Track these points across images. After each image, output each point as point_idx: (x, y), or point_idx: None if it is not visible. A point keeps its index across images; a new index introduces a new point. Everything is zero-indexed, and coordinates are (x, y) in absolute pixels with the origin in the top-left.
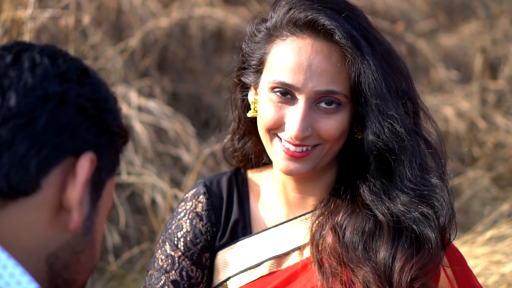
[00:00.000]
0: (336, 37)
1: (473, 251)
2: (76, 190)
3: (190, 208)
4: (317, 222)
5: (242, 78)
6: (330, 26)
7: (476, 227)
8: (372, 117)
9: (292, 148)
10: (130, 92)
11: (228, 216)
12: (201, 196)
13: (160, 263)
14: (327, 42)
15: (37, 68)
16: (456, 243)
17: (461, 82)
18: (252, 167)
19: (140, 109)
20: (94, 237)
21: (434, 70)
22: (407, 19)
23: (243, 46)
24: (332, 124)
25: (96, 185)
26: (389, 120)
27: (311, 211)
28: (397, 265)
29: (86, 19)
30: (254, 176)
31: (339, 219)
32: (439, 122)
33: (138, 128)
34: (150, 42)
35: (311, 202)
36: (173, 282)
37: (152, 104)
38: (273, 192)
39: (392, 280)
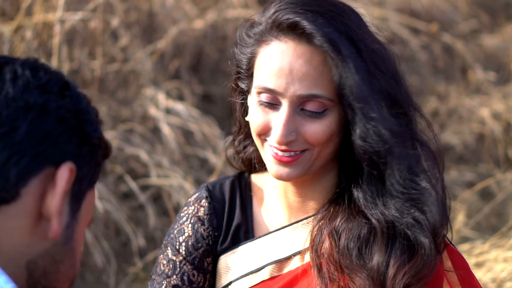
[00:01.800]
0: (316, 41)
1: (503, 254)
2: (55, 200)
3: (192, 212)
4: (317, 226)
5: (238, 83)
6: (310, 30)
7: (509, 232)
8: (358, 121)
9: (280, 153)
10: (158, 94)
11: (230, 220)
12: (203, 200)
13: (162, 268)
14: (309, 45)
15: (19, 79)
16: (486, 246)
17: (499, 83)
18: (255, 171)
19: (168, 111)
20: (74, 247)
21: (472, 71)
22: (448, 20)
23: (235, 51)
24: (317, 128)
25: (77, 195)
26: (373, 123)
27: (313, 215)
28: (390, 272)
29: (115, 22)
30: (257, 180)
31: (337, 224)
32: (475, 124)
33: (166, 130)
34: (182, 44)
35: (312, 205)
36: (174, 286)
37: (180, 107)
38: (275, 196)
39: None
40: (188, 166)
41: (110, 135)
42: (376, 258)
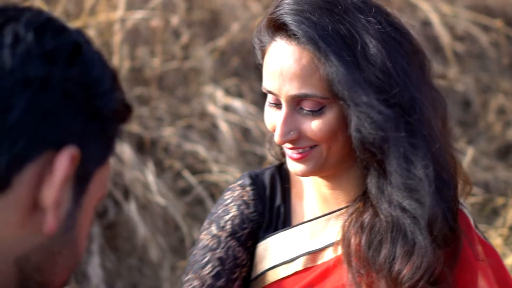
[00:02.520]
0: (301, 40)
1: None
2: (51, 191)
3: (237, 196)
4: (348, 220)
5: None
6: (295, 31)
7: None
8: (351, 113)
9: (289, 152)
10: (217, 92)
11: (272, 208)
12: (248, 187)
13: (205, 243)
14: (298, 45)
15: (19, 45)
16: None
17: None
18: None
19: (226, 108)
20: (76, 235)
21: None
22: None
23: (256, 53)
24: (317, 126)
25: (81, 179)
26: (364, 109)
27: (344, 207)
28: (396, 268)
29: (175, 20)
30: None
31: (363, 220)
32: None
33: (223, 127)
34: (243, 41)
35: (343, 197)
36: (219, 259)
37: (237, 104)
38: (310, 188)
39: (397, 282)
40: (245, 162)
41: (168, 131)
42: (383, 254)
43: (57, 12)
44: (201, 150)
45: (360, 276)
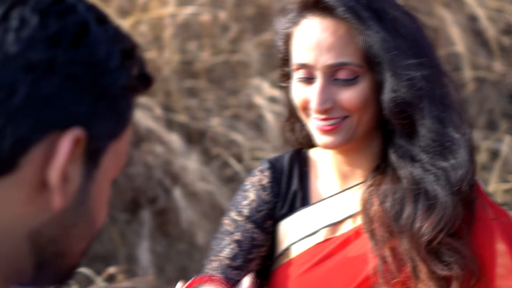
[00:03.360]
0: (338, 12)
1: None
2: (55, 171)
3: (256, 180)
4: (367, 191)
5: (284, 68)
6: (332, 3)
7: None
8: (387, 76)
9: (321, 123)
10: (263, 84)
11: (289, 189)
12: (266, 171)
13: (225, 227)
14: (333, 18)
15: (24, 30)
16: None
17: None
18: (310, 148)
19: (272, 100)
20: (90, 206)
21: None
22: None
23: (276, 39)
24: (352, 94)
25: (92, 154)
26: (404, 72)
27: (362, 182)
28: (417, 225)
29: (223, 15)
30: (313, 154)
31: (383, 188)
32: None
33: (269, 117)
34: None
35: (360, 173)
36: (237, 241)
37: (282, 95)
38: (328, 167)
39: (417, 243)
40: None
41: (216, 122)
42: (405, 215)
43: (111, 8)
44: (246, 139)
45: (384, 242)
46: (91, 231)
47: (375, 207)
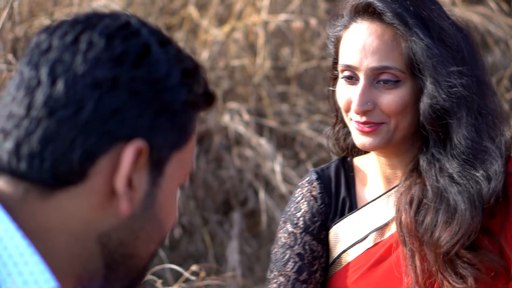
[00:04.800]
0: (386, 18)
1: None
2: (120, 180)
3: (306, 192)
4: (398, 196)
5: (333, 72)
6: (381, 8)
7: None
8: (428, 83)
9: (360, 125)
10: None
11: (338, 197)
12: (315, 182)
13: (284, 240)
14: (380, 23)
15: (91, 51)
16: None
17: None
18: (354, 156)
19: None
20: (157, 211)
21: None
22: None
23: (327, 43)
24: (392, 98)
25: (157, 163)
26: (445, 79)
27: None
28: (437, 234)
29: (313, 22)
30: (358, 162)
31: (411, 194)
32: None
33: None
34: None
35: (401, 175)
36: (298, 254)
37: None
38: (373, 172)
39: (435, 253)
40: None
41: (304, 126)
42: (426, 222)
43: (209, 15)
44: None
45: (413, 251)
46: (159, 234)
47: (403, 215)
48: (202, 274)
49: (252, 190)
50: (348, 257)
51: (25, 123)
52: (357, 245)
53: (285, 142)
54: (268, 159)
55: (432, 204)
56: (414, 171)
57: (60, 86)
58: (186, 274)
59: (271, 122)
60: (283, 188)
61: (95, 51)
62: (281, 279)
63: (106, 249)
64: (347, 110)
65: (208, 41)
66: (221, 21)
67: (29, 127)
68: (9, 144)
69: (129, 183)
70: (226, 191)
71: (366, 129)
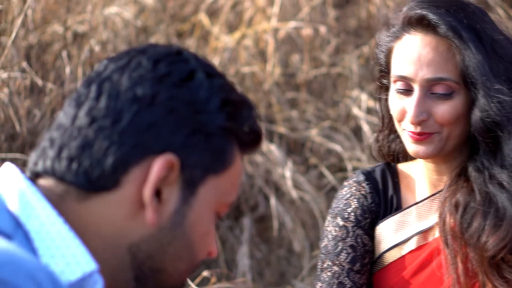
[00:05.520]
0: (440, 30)
1: None
2: (147, 190)
3: (355, 190)
4: (443, 200)
5: (382, 80)
6: (435, 21)
7: None
8: (480, 96)
9: (415, 135)
10: (361, 96)
11: (386, 199)
12: (363, 183)
13: (334, 233)
14: (435, 35)
15: (137, 71)
16: None
17: None
18: (398, 162)
19: (369, 111)
20: (187, 230)
21: None
22: None
23: (376, 51)
24: (446, 109)
25: (188, 182)
26: (496, 95)
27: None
28: (484, 238)
29: (323, 29)
30: (403, 167)
31: (457, 199)
32: None
33: (366, 128)
34: None
35: (447, 181)
36: (351, 246)
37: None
38: (419, 177)
39: (481, 256)
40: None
41: (314, 132)
42: (474, 227)
43: (219, 23)
44: (344, 150)
45: (456, 252)
46: (190, 255)
47: (447, 218)
48: (213, 279)
49: (262, 196)
50: (388, 259)
51: (69, 131)
52: (399, 246)
53: (295, 148)
54: (278, 165)
55: (481, 208)
56: (461, 176)
57: (103, 99)
58: (197, 280)
59: (281, 128)
60: (293, 193)
61: (141, 71)
62: (335, 268)
63: (136, 260)
64: (401, 119)
65: (218, 48)
66: (231, 28)
67: (72, 135)
68: (53, 150)
69: (159, 196)
70: (237, 196)
71: (421, 137)
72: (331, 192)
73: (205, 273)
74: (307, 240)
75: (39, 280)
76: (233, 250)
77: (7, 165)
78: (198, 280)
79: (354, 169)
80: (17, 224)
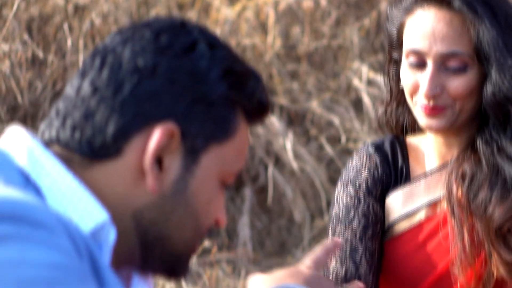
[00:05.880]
0: (454, 5)
1: None
2: (147, 157)
3: (365, 160)
4: (449, 171)
5: (391, 54)
6: None
7: None
8: (492, 72)
9: (428, 108)
10: (362, 67)
11: (396, 170)
12: (373, 154)
13: (346, 201)
14: (449, 10)
15: (139, 43)
16: None
17: None
18: (406, 135)
19: (370, 83)
20: (189, 198)
21: None
22: None
23: (386, 26)
24: (459, 83)
25: (190, 150)
26: (507, 70)
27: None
28: (491, 208)
29: (323, 1)
30: (412, 140)
31: (463, 169)
32: None
33: (366, 100)
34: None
35: (456, 153)
36: (363, 214)
37: (380, 78)
38: (428, 150)
39: (488, 227)
40: (385, 133)
41: (315, 104)
42: (480, 197)
43: None
44: (344, 121)
45: (462, 222)
46: (193, 223)
47: (454, 188)
48: (214, 249)
49: (263, 167)
50: (398, 230)
51: (73, 101)
52: (408, 218)
53: (295, 120)
54: (279, 136)
55: (488, 179)
56: (469, 148)
57: (106, 70)
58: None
59: (282, 100)
60: (294, 164)
61: (143, 43)
62: (348, 233)
63: (140, 227)
64: (413, 93)
65: (219, 20)
66: (232, 0)
67: (75, 104)
68: (58, 120)
69: (161, 164)
70: (243, 166)
71: (433, 111)
72: (331, 163)
73: (206, 243)
74: (308, 210)
75: (66, 224)
76: (234, 220)
77: (15, 127)
78: (199, 249)
79: (354, 141)
80: (27, 180)
